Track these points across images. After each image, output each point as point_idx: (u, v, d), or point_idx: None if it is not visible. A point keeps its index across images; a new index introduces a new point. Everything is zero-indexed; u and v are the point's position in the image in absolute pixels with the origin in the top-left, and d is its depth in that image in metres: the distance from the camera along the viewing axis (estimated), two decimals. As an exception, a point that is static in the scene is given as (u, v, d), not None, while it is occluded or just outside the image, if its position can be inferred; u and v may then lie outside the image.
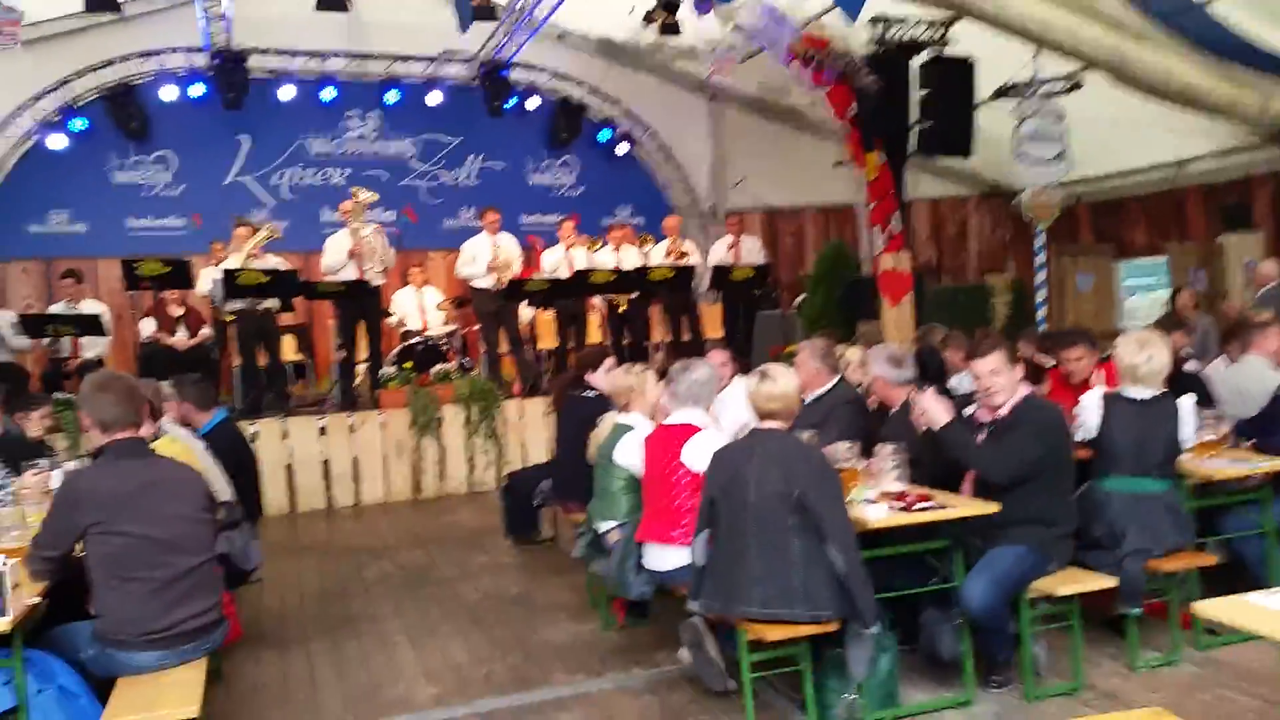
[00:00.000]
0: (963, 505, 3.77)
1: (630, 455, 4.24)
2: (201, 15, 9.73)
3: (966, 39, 9.87)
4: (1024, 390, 4.06)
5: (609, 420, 4.55)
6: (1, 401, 5.51)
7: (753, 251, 10.46)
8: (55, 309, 8.99)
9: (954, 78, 9.77)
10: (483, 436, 8.75)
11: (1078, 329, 5.94)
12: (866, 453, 3.99)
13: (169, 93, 10.94)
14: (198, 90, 11.00)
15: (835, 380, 4.75)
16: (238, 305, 8.56)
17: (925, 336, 6.43)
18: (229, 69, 10.66)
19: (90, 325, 8.31)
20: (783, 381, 3.51)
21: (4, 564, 2.94)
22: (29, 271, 10.76)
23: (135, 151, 11.08)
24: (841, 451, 3.87)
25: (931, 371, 5.72)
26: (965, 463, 3.97)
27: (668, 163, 13.03)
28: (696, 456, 3.78)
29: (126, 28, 10.65)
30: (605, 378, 5.34)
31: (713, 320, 10.54)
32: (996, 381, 3.98)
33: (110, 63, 10.66)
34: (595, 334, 10.35)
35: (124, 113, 10.77)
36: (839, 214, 13.34)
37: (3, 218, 10.52)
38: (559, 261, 9.82)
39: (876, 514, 3.60)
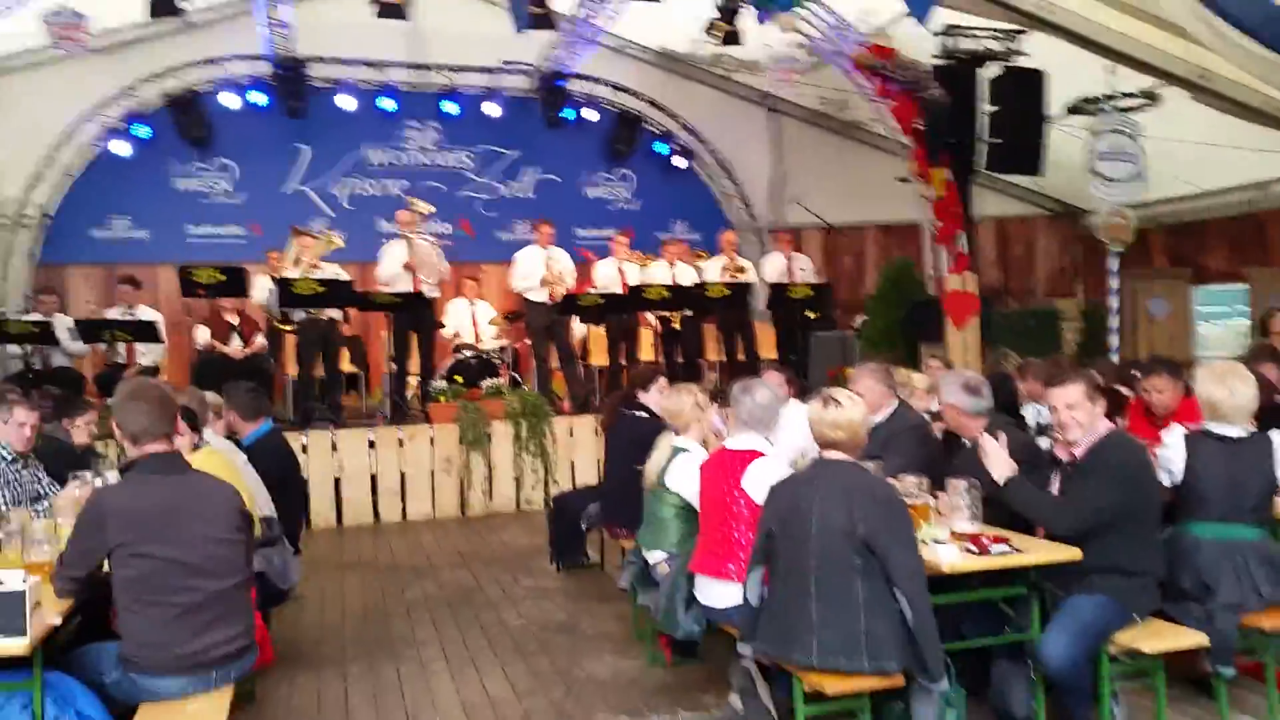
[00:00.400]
0: (1042, 550, 3.49)
1: (685, 480, 4.01)
2: (263, 23, 9.78)
3: (1039, 51, 9.54)
4: (1105, 427, 3.76)
5: (666, 442, 4.30)
6: (52, 408, 5.47)
7: (805, 269, 10.19)
8: (112, 314, 9.05)
9: (1025, 91, 9.45)
10: (531, 454, 8.59)
11: (1161, 358, 5.58)
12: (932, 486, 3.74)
13: (231, 100, 11.03)
14: (259, 98, 11.07)
15: (895, 405, 4.48)
16: (301, 314, 8.53)
17: (997, 363, 6.11)
18: (290, 77, 10.72)
19: (145, 332, 8.33)
20: (849, 408, 3.26)
21: (24, 582, 2.83)
22: (90, 277, 10.90)
23: (197, 159, 11.19)
24: (909, 485, 3.61)
25: (1002, 400, 5.43)
26: (1031, 520, 3.69)
27: (725, 177, 12.82)
28: (759, 485, 3.53)
29: (191, 35, 10.77)
30: (660, 397, 5.13)
31: (768, 340, 10.28)
32: (1073, 417, 3.69)
33: (175, 70, 10.77)
34: (647, 351, 10.17)
35: (187, 120, 10.88)
36: (901, 232, 12.98)
37: (67, 223, 10.68)
38: (611, 276, 9.66)
39: (949, 557, 3.34)
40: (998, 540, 3.46)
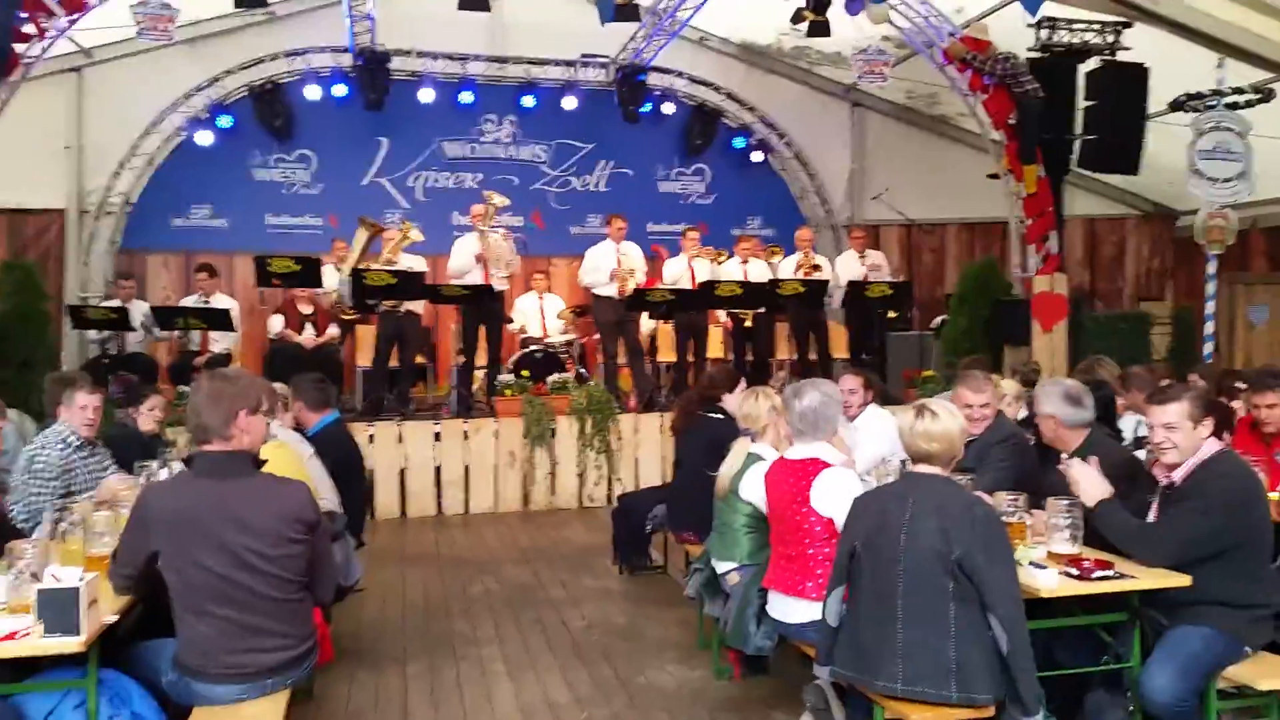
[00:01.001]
0: (1148, 576, 3.22)
1: (756, 489, 3.80)
2: (347, 15, 9.81)
3: (1140, 44, 9.08)
4: (1211, 449, 3.44)
5: (740, 448, 4.07)
6: (125, 395, 5.50)
7: (879, 266, 9.86)
8: (188, 302, 9.18)
9: (1125, 87, 9.01)
10: (595, 450, 8.47)
11: (1273, 370, 5.18)
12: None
13: (313, 92, 11.11)
14: (340, 90, 11.13)
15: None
16: (383, 306, 8.55)
17: (1091, 369, 5.76)
18: (372, 70, 10.75)
19: (220, 320, 8.41)
20: (945, 419, 3.01)
21: (80, 580, 2.76)
22: (169, 264, 11.09)
23: (278, 149, 11.30)
24: (1003, 502, 3.36)
25: (1096, 411, 5.11)
26: (1120, 547, 3.39)
27: (803, 172, 12.53)
28: (826, 498, 3.32)
29: (276, 27, 10.89)
30: (735, 401, 4.94)
31: (841, 340, 9.98)
32: (1172, 438, 3.39)
33: (260, 61, 10.89)
34: (716, 348, 9.96)
35: (269, 111, 10.99)
36: (984, 230, 12.54)
37: (149, 211, 10.87)
38: (681, 272, 9.47)
39: (1048, 581, 3.09)
40: (1100, 564, 3.19)
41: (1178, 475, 3.43)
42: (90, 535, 3.41)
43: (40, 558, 3.01)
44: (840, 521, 3.26)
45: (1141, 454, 4.13)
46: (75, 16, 7.96)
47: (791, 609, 3.48)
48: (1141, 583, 3.18)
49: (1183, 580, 3.20)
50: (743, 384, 5.38)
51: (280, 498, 2.99)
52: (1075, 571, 3.16)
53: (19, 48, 7.70)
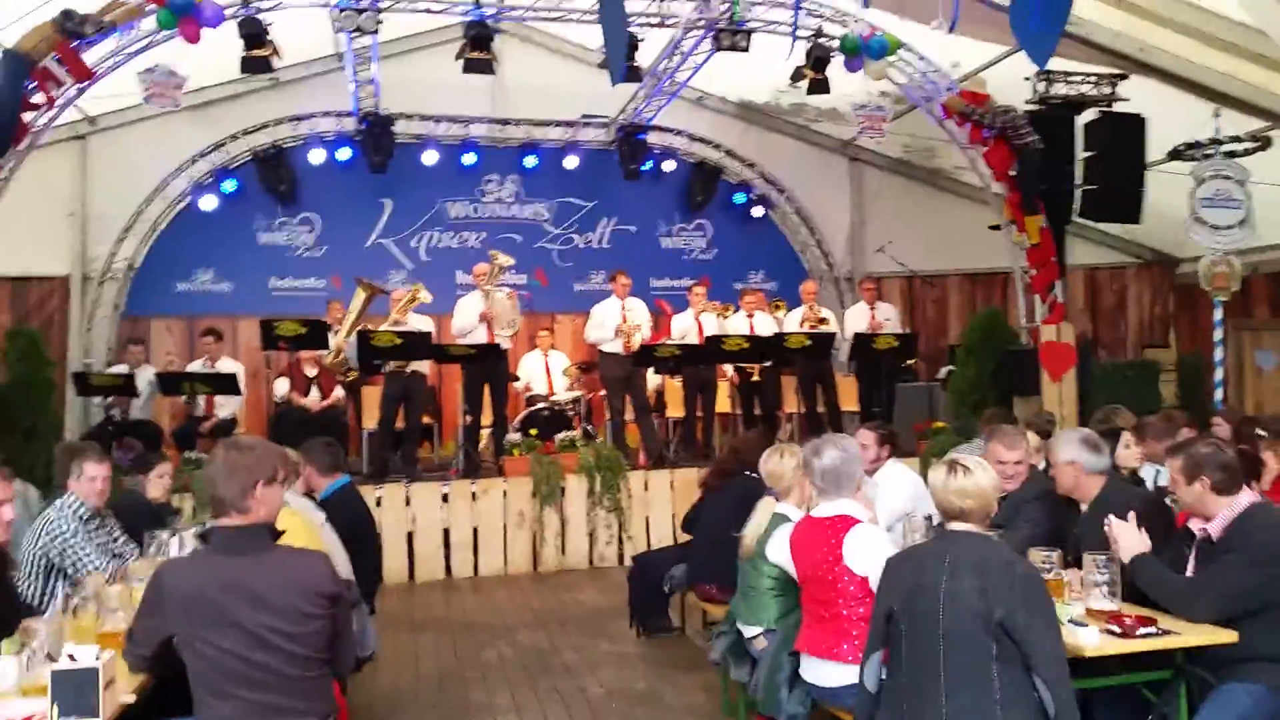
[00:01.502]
0: (1193, 632, 3.13)
1: (783, 551, 3.71)
2: (351, 79, 9.92)
3: (1136, 95, 9.18)
4: (1247, 499, 3.38)
5: (766, 508, 4.00)
6: (132, 462, 5.42)
7: (890, 319, 9.85)
8: (193, 367, 9.14)
9: (1123, 137, 9.08)
10: (606, 509, 8.36)
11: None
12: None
13: (317, 156, 11.20)
14: (344, 154, 11.23)
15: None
16: (389, 366, 8.51)
17: (1108, 419, 5.71)
18: (376, 133, 10.84)
19: (226, 384, 8.36)
20: (978, 475, 2.94)
21: (97, 659, 2.66)
22: (172, 329, 11.06)
23: (282, 213, 11.34)
24: (1039, 560, 3.29)
25: (1114, 459, 5.05)
26: (1160, 602, 3.32)
27: (804, 226, 12.60)
28: (860, 555, 3.23)
29: (280, 92, 10.99)
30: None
31: (849, 392, 9.94)
32: None
33: (264, 126, 10.98)
34: (724, 403, 9.91)
35: (273, 175, 11.06)
36: (986, 280, 12.59)
37: (152, 275, 10.87)
38: (688, 327, 9.47)
39: (1090, 639, 3.00)
40: (1142, 621, 3.11)
41: (1214, 528, 3.37)
42: (104, 610, 3.32)
43: (55, 637, 2.91)
44: (875, 580, 3.18)
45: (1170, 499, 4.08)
46: (84, 85, 8.02)
47: (827, 672, 3.37)
48: (1187, 639, 3.10)
49: (1229, 636, 3.12)
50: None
51: (300, 572, 2.89)
52: (1118, 629, 3.08)
53: (27, 117, 7.75)
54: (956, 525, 2.96)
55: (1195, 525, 3.48)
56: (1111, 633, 3.08)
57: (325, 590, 2.89)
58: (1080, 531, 3.78)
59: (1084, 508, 3.87)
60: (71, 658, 2.74)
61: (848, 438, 3.70)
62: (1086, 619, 3.15)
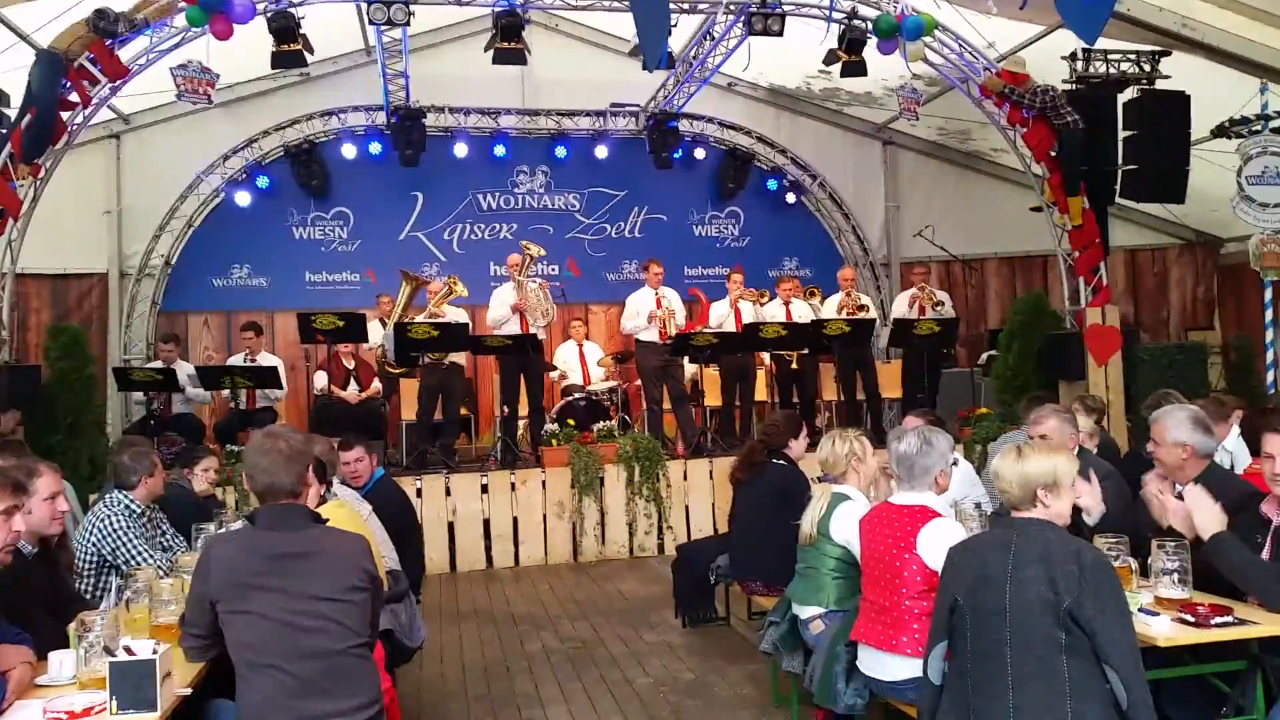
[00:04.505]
0: (1270, 620, 3.03)
1: (849, 529, 3.63)
2: (382, 74, 9.91)
3: (1179, 71, 8.97)
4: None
5: (824, 490, 3.92)
6: (175, 456, 5.44)
7: (942, 304, 9.66)
8: (234, 361, 9.18)
9: (1166, 115, 8.86)
10: (645, 499, 8.32)
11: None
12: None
13: (349, 150, 11.22)
14: (376, 148, 11.25)
15: (1076, 452, 4.03)
16: (425, 359, 8.52)
17: (1160, 404, 5.56)
18: (407, 127, 10.84)
19: (267, 378, 8.39)
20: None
21: (155, 651, 2.65)
22: (210, 324, 11.14)
23: (315, 208, 11.38)
24: (1105, 546, 3.19)
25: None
26: (1239, 585, 3.21)
27: (838, 211, 12.46)
28: (936, 549, 3.14)
29: (311, 87, 11.03)
30: (805, 446, 4.81)
31: (891, 378, 9.81)
32: None
33: (296, 121, 11.02)
34: (762, 391, 9.83)
35: (306, 170, 11.09)
36: (1025, 263, 12.41)
37: (188, 271, 10.96)
38: (725, 315, 9.39)
39: (1162, 628, 2.91)
40: (1216, 610, 3.01)
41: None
42: (156, 603, 3.32)
43: (110, 630, 2.91)
44: (943, 575, 3.10)
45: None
46: (118, 83, 8.06)
47: (887, 665, 3.30)
48: (1265, 629, 3.00)
49: (1309, 625, 3.01)
50: (805, 430, 5.25)
51: (346, 547, 2.96)
52: (1191, 618, 2.99)
53: (65, 115, 7.81)
54: (1024, 512, 2.87)
55: (1271, 510, 3.36)
56: (1185, 622, 2.99)
57: (367, 567, 2.95)
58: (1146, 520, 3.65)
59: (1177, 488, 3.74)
60: (129, 650, 2.74)
61: (939, 431, 3.55)
62: (1156, 608, 3.06)
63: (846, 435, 3.95)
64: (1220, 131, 9.14)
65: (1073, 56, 9.01)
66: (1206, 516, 3.23)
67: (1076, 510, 3.39)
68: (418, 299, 9.16)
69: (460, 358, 8.82)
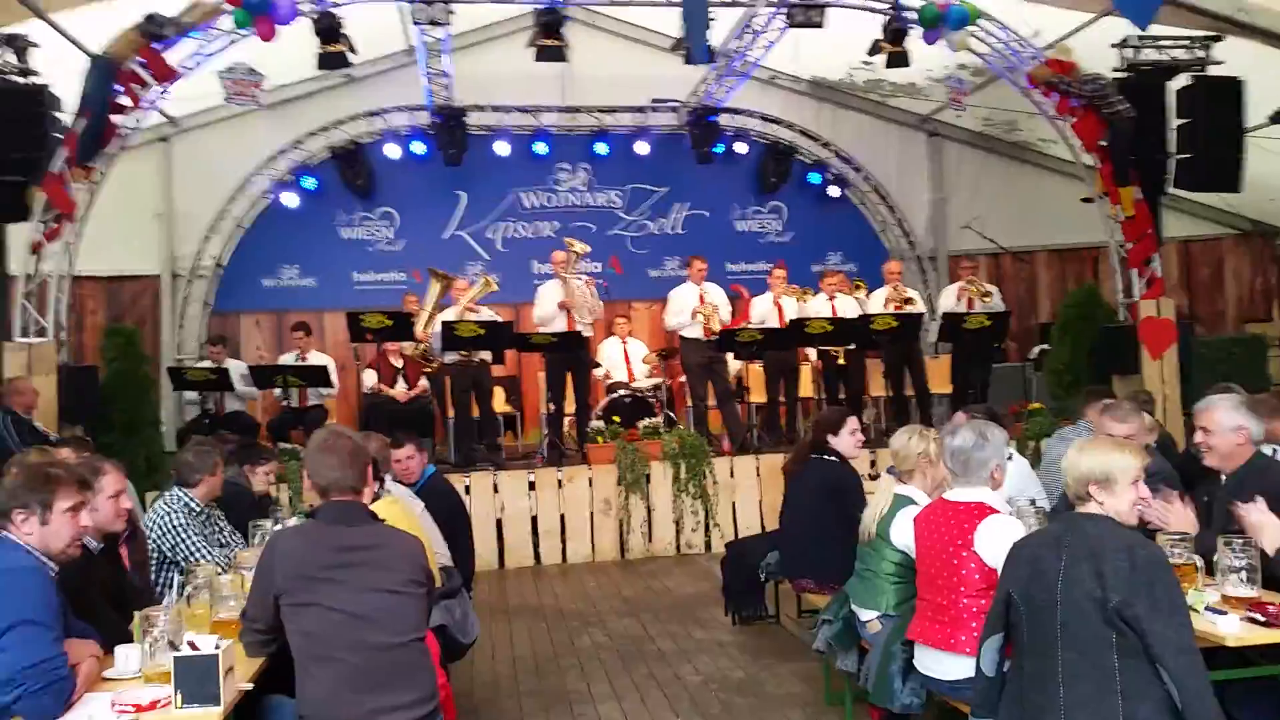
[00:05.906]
0: (1343, 620, 2.94)
1: (909, 533, 3.57)
2: (424, 73, 9.99)
3: (1233, 57, 8.76)
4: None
5: (887, 488, 3.86)
6: (231, 452, 5.52)
7: (990, 297, 9.48)
8: (285, 360, 9.31)
9: (1219, 102, 8.66)
10: (691, 496, 8.30)
11: None
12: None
13: (393, 150, 11.33)
14: (419, 148, 11.33)
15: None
16: (453, 357, 8.58)
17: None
18: (449, 126, 10.92)
19: (318, 377, 8.51)
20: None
21: (218, 647, 2.69)
22: (261, 324, 11.32)
23: (361, 208, 11.50)
24: (1167, 544, 3.12)
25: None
26: None
27: (883, 204, 12.33)
28: (994, 547, 3.08)
29: (355, 88, 11.14)
30: (853, 441, 4.77)
31: (940, 373, 9.68)
32: None
33: (340, 123, 11.15)
34: (808, 388, 9.75)
35: (351, 171, 11.21)
36: (1075, 256, 12.20)
37: (239, 272, 11.14)
38: (768, 310, 9.33)
39: (1230, 627, 2.84)
40: (1287, 609, 2.93)
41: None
42: (217, 599, 3.37)
43: (173, 625, 2.96)
44: (1002, 573, 3.05)
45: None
46: (166, 86, 8.20)
47: (944, 664, 3.25)
48: (1338, 628, 2.91)
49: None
50: (851, 423, 5.18)
51: (406, 543, 3.06)
52: (1261, 617, 2.91)
53: (116, 119, 7.96)
54: (1086, 508, 2.81)
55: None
56: (1255, 621, 2.91)
57: (424, 564, 3.03)
58: (1218, 507, 3.57)
59: (1224, 479, 3.67)
60: (193, 645, 2.78)
61: (997, 428, 3.47)
62: (1223, 606, 2.99)
63: (926, 435, 3.85)
64: (1277, 118, 8.91)
65: (1122, 43, 8.85)
66: (1271, 533, 3.14)
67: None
68: (446, 298, 9.22)
69: (488, 355, 8.84)
